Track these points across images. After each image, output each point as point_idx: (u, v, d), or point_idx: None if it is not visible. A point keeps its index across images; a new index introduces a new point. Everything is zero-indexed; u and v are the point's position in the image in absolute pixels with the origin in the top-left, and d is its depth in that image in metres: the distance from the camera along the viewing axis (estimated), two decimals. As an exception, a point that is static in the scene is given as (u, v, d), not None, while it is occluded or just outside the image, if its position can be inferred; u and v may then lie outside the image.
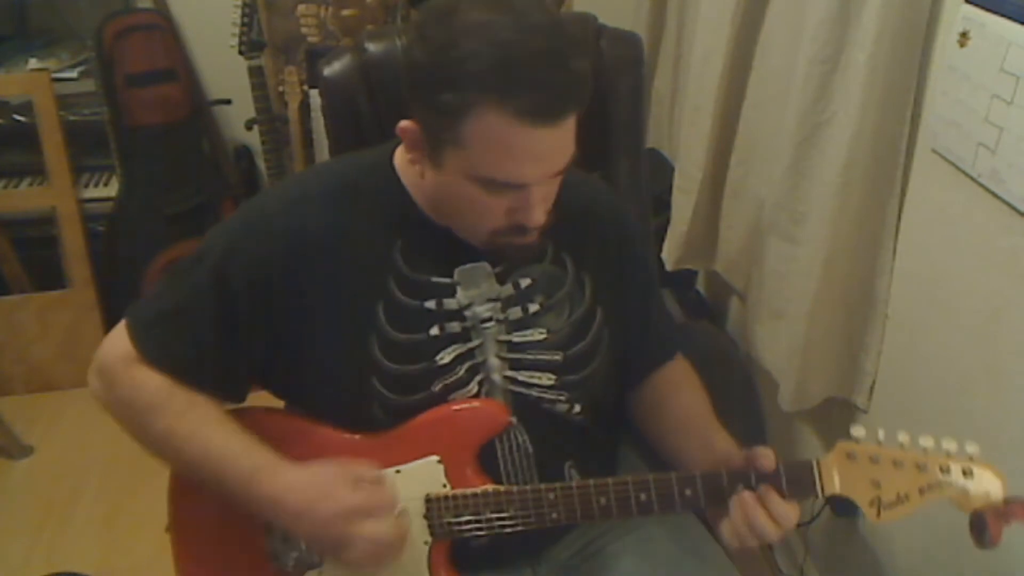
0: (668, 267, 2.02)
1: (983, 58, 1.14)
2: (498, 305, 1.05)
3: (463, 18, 0.87)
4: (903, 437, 0.95)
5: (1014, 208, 1.11)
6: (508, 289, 1.06)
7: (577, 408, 1.09)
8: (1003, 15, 1.10)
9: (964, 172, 1.21)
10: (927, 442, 0.95)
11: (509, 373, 1.06)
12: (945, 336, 1.31)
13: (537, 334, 1.06)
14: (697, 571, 1.10)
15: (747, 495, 0.96)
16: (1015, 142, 1.09)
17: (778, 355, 1.62)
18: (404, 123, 0.95)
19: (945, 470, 0.94)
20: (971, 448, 0.94)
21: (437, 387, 1.04)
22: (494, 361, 1.05)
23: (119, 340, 1.03)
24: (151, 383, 1.01)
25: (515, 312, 1.06)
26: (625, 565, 1.11)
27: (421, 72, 0.90)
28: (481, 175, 0.91)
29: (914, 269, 1.38)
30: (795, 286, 1.53)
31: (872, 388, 1.51)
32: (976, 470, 0.94)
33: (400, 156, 1.06)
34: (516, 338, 1.06)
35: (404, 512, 1.00)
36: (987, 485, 0.93)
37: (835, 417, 1.64)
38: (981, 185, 1.17)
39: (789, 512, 0.96)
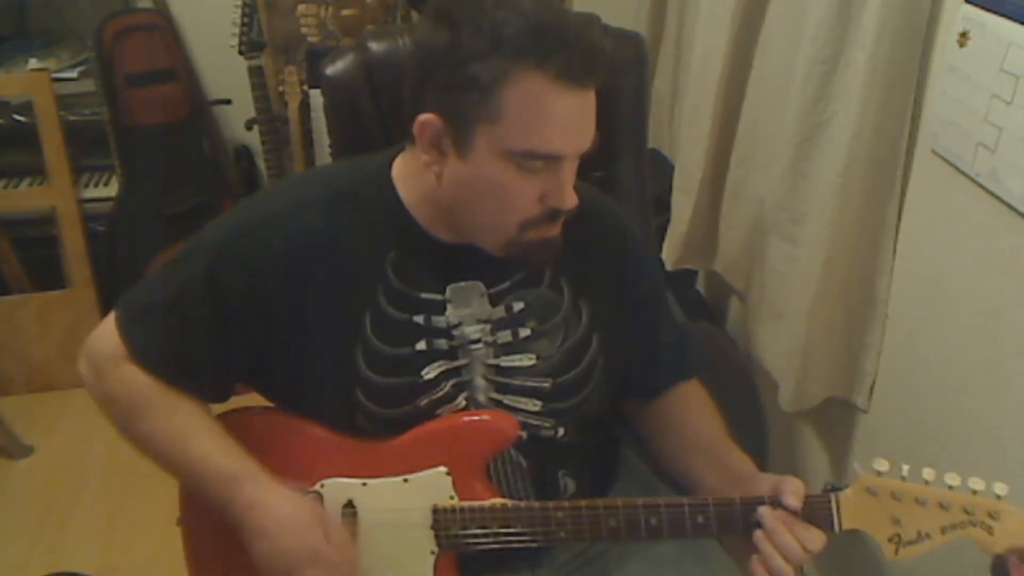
0: (668, 267, 2.02)
1: (983, 58, 1.14)
2: (488, 327, 1.03)
3: None
4: (928, 473, 0.91)
5: (1013, 208, 1.11)
6: (500, 311, 1.04)
7: (562, 432, 1.08)
8: (1003, 15, 1.11)
9: (963, 172, 1.21)
10: (953, 480, 0.91)
11: (494, 395, 1.04)
12: (945, 336, 1.31)
13: (525, 360, 1.04)
14: (700, 574, 1.09)
15: (770, 518, 0.94)
16: (1015, 142, 1.09)
17: (778, 355, 1.62)
18: (423, 117, 0.92)
19: (970, 510, 0.90)
20: (999, 489, 0.90)
21: (423, 402, 1.02)
22: (480, 382, 1.04)
23: (109, 333, 1.04)
24: (136, 384, 1.01)
25: (504, 335, 1.04)
26: (627, 568, 1.10)
27: (447, 53, 0.89)
28: (517, 148, 0.89)
29: (914, 269, 1.38)
30: (795, 286, 1.53)
31: (872, 388, 1.51)
32: (1003, 512, 0.89)
33: (399, 167, 1.04)
34: (503, 362, 1.04)
35: None
36: (1013, 529, 0.89)
37: (835, 417, 1.64)
38: (980, 185, 1.17)
39: (815, 536, 0.93)
